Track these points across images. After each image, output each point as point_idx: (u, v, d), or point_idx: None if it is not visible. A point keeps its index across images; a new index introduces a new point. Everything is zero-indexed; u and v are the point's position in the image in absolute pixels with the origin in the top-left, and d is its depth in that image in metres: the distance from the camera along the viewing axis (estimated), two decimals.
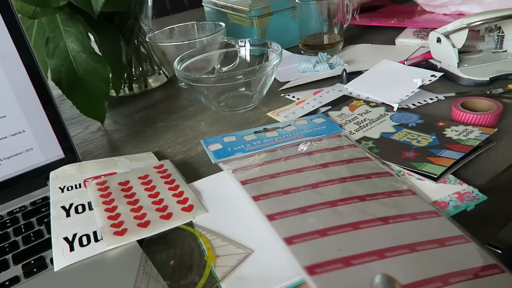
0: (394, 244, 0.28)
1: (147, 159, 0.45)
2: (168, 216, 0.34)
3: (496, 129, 0.40)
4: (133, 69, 0.66)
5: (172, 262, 0.30)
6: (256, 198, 0.34)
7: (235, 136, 0.46)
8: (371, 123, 0.46)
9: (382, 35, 0.72)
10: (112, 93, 0.64)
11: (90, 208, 0.36)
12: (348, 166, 0.38)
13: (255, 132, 0.46)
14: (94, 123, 0.56)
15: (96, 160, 0.45)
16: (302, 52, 0.70)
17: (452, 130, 0.41)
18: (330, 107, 0.51)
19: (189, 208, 0.35)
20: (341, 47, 0.69)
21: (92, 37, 0.54)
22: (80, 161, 0.45)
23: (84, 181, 0.40)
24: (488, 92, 0.48)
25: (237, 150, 0.43)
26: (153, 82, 0.67)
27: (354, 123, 0.46)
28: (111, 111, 0.60)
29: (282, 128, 0.46)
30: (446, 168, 0.36)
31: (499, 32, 0.55)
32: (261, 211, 0.32)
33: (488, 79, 0.50)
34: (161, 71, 0.68)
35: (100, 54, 0.53)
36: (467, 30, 0.50)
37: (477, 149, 0.38)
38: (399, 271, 0.26)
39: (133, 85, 0.65)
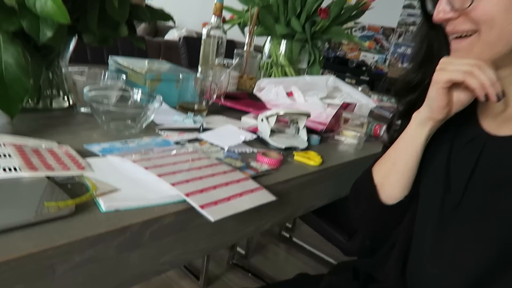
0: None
1: (52, 144, 0.63)
2: (67, 169, 0.53)
3: (276, 167, 0.71)
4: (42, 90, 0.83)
5: (69, 186, 0.49)
6: (160, 175, 0.55)
7: (108, 144, 0.67)
8: (211, 153, 0.73)
9: (234, 114, 1.04)
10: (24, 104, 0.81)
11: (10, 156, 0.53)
12: (199, 161, 0.65)
13: (121, 143, 0.69)
14: (3, 116, 0.72)
15: (9, 135, 0.61)
16: (178, 111, 0.97)
17: (254, 163, 0.71)
18: (187, 142, 0.77)
19: (81, 168, 0.55)
20: (205, 114, 0.98)
21: None
22: None
23: (3, 143, 0.57)
24: (281, 153, 0.80)
25: (115, 150, 0.64)
26: (56, 104, 0.85)
27: (201, 151, 0.72)
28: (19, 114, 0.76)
29: (137, 142, 0.71)
30: (246, 176, 0.64)
31: (297, 124, 0.90)
32: (166, 181, 0.54)
33: (284, 146, 0.82)
34: (65, 98, 0.87)
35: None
36: (276, 116, 0.84)
37: (265, 172, 0.68)
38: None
39: (40, 101, 0.83)
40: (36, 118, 0.76)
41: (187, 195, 0.52)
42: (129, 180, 0.55)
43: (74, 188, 0.50)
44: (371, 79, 3.67)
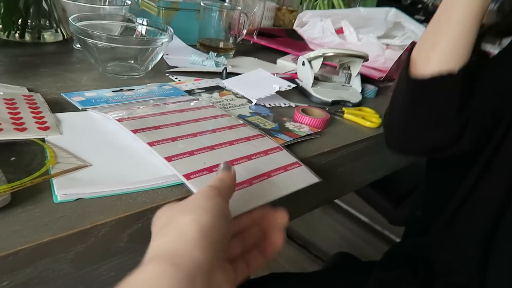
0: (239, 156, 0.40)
1: (19, 90, 0.47)
2: (22, 130, 0.37)
3: (319, 130, 0.52)
4: (29, 20, 0.66)
5: (13, 158, 0.33)
6: (151, 144, 0.38)
7: (95, 93, 0.50)
8: (233, 107, 0.54)
9: (268, 56, 0.84)
10: (1, 35, 0.64)
11: None
12: (215, 121, 0.47)
13: (113, 91, 0.51)
14: None
15: None
16: (198, 49, 0.78)
17: (291, 124, 0.52)
18: (204, 90, 0.59)
19: (45, 128, 0.39)
20: (232, 54, 0.79)
21: None
22: None
23: None
24: (327, 109, 0.60)
25: (101, 102, 0.47)
26: (47, 36, 0.68)
27: (220, 105, 0.54)
28: None
29: (136, 90, 0.53)
30: (277, 145, 0.46)
31: (348, 70, 0.69)
32: (159, 154, 0.37)
33: (330, 100, 0.63)
34: (58, 29, 0.70)
35: None
36: (322, 58, 0.63)
37: (304, 137, 0.49)
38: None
39: (26, 34, 0.66)
40: (16, 55, 0.60)
41: (188, 176, 0.35)
42: (108, 150, 0.38)
43: (21, 160, 0.34)
44: (427, 19, 3.24)
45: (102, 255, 0.31)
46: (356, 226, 1.61)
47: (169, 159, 0.36)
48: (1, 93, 0.43)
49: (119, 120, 0.41)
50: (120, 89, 0.52)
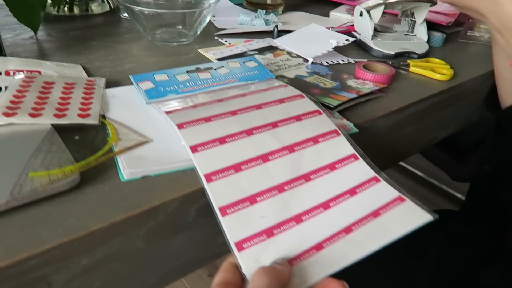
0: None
1: (74, 68, 0.47)
2: (62, 116, 0.36)
3: (385, 85, 0.48)
4: None
5: (77, 137, 0.33)
6: (193, 149, 0.32)
7: (166, 75, 0.43)
8: (289, 68, 0.51)
9: (320, 8, 0.79)
10: (51, 10, 0.65)
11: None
12: (281, 106, 0.39)
13: (187, 72, 0.44)
14: (26, 31, 0.57)
15: (21, 58, 0.46)
16: (245, 8, 0.74)
17: (353, 81, 0.48)
18: (257, 52, 0.56)
19: (85, 116, 0.36)
20: (281, 10, 0.74)
21: None
22: (5, 55, 0.46)
23: (8, 71, 0.42)
24: (390, 63, 0.55)
25: (170, 91, 0.41)
26: (95, 8, 0.68)
27: (275, 66, 0.51)
28: (47, 25, 0.61)
29: (215, 69, 0.45)
30: (341, 102, 0.42)
31: (412, 18, 0.63)
32: (199, 166, 0.31)
33: (393, 53, 0.57)
34: (105, 0, 0.69)
35: None
36: (383, 6, 0.57)
37: (369, 95, 0.45)
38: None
39: (74, 7, 0.66)
40: (67, 29, 0.60)
41: (240, 246, 0.27)
42: (167, 124, 0.36)
43: (85, 139, 0.34)
44: None
45: (172, 230, 0.31)
46: (414, 183, 1.55)
47: (208, 177, 0.30)
48: (67, 76, 0.43)
49: (167, 113, 0.36)
50: (196, 68, 0.46)
